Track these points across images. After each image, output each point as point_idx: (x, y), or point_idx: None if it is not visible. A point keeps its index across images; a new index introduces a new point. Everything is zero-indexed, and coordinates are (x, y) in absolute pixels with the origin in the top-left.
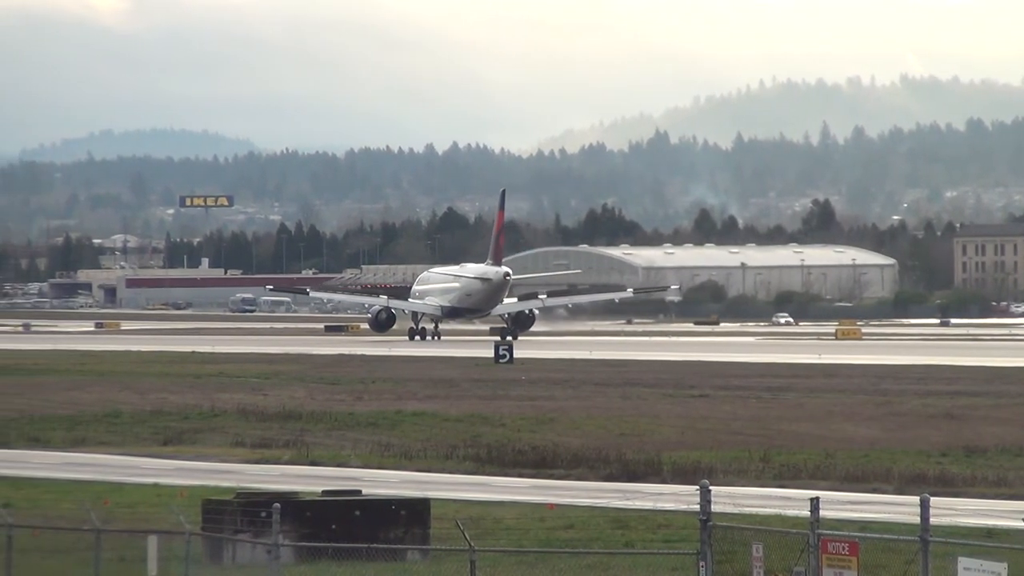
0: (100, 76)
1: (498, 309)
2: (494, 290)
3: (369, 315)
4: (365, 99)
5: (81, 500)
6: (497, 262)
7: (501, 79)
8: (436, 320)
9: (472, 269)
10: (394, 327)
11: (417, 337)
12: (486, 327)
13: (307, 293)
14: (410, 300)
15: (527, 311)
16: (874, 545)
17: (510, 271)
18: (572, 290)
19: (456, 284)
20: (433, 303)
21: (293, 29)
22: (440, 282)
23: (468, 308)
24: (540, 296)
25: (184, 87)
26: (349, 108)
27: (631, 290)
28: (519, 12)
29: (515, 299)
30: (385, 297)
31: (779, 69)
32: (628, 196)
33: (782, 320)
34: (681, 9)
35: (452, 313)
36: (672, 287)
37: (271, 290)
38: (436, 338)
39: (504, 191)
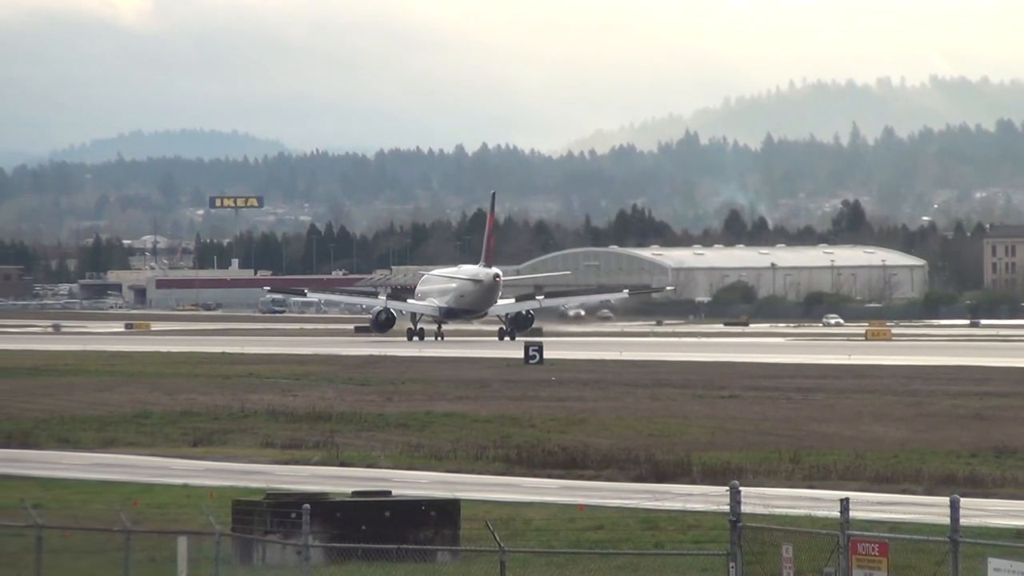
0: (127, 77)
1: (495, 310)
2: (485, 291)
3: (370, 316)
4: (391, 100)
5: (111, 501)
6: (488, 263)
7: (528, 81)
8: (438, 321)
9: (466, 271)
10: (395, 327)
11: (416, 338)
12: (487, 327)
13: (305, 294)
14: (409, 301)
15: (523, 312)
16: (904, 546)
17: (499, 272)
18: (569, 291)
19: (452, 285)
20: (431, 304)
21: (314, 30)
22: (439, 283)
23: (463, 309)
24: (538, 297)
25: (211, 88)
26: (376, 109)
27: (626, 291)
28: (544, 13)
29: (512, 300)
30: (384, 298)
31: (809, 70)
32: (658, 197)
33: (832, 321)
34: (710, 10)
35: (449, 314)
36: (667, 288)
37: (268, 291)
38: (440, 339)
39: (494, 193)
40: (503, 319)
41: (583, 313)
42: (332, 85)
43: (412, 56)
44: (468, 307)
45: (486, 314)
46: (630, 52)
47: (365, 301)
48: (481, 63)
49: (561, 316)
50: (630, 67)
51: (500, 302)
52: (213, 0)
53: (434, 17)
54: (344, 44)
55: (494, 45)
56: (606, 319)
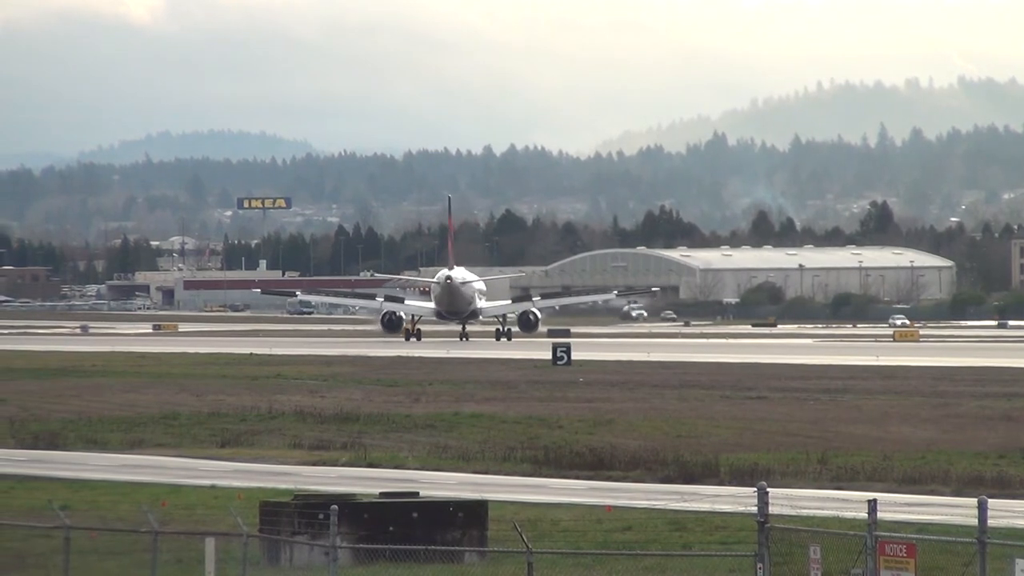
0: (152, 79)
1: (491, 310)
2: (446, 293)
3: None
4: (413, 101)
5: (139, 502)
6: (450, 266)
7: (549, 82)
8: (462, 322)
9: (440, 275)
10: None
11: (413, 338)
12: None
13: (296, 295)
14: (407, 302)
15: (519, 313)
16: (932, 547)
17: (451, 276)
18: (564, 292)
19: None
20: (426, 306)
21: (333, 32)
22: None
23: (446, 310)
24: (534, 299)
25: (238, 89)
26: (400, 110)
27: (615, 292)
28: (560, 14)
29: (508, 301)
30: (381, 299)
31: (836, 71)
32: (686, 198)
33: (898, 322)
34: (736, 12)
35: (439, 315)
36: (653, 289)
37: (261, 293)
38: (465, 339)
39: (450, 198)
40: (500, 319)
41: (645, 314)
42: (356, 87)
43: (432, 57)
44: (447, 308)
45: (476, 314)
46: (655, 54)
47: (360, 303)
48: (501, 64)
49: (624, 317)
50: (656, 69)
51: (497, 303)
52: (224, 1)
53: (451, 18)
54: (363, 46)
55: (513, 46)
56: (671, 320)
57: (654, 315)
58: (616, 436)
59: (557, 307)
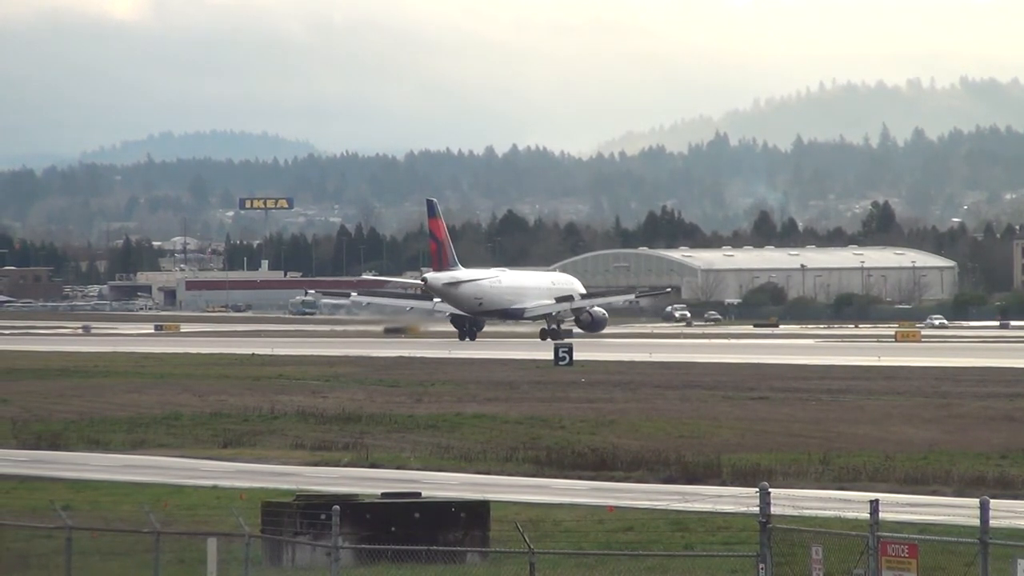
0: (153, 79)
1: (533, 310)
2: (438, 294)
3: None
4: (416, 102)
5: (141, 502)
6: (436, 268)
7: (557, 83)
8: (550, 323)
9: None
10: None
11: (467, 338)
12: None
13: (350, 296)
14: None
15: (557, 314)
16: (934, 547)
17: (426, 276)
18: (598, 292)
19: None
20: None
21: (335, 34)
22: None
23: (460, 310)
24: (575, 297)
25: (239, 90)
26: (402, 111)
27: (636, 293)
28: (570, 17)
29: (552, 300)
30: (438, 300)
31: (839, 71)
32: (688, 198)
33: (936, 322)
34: (740, 13)
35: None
36: (667, 289)
37: (313, 292)
38: (550, 338)
39: (430, 201)
40: (546, 319)
41: (688, 315)
42: (358, 88)
43: (434, 59)
44: (457, 308)
45: (510, 314)
46: (656, 54)
47: (414, 303)
48: (503, 66)
49: (666, 318)
50: (657, 69)
51: (539, 302)
52: (226, 2)
53: (452, 21)
54: (364, 48)
55: (514, 48)
56: (715, 321)
57: (696, 317)
58: (618, 436)
59: (671, 309)
